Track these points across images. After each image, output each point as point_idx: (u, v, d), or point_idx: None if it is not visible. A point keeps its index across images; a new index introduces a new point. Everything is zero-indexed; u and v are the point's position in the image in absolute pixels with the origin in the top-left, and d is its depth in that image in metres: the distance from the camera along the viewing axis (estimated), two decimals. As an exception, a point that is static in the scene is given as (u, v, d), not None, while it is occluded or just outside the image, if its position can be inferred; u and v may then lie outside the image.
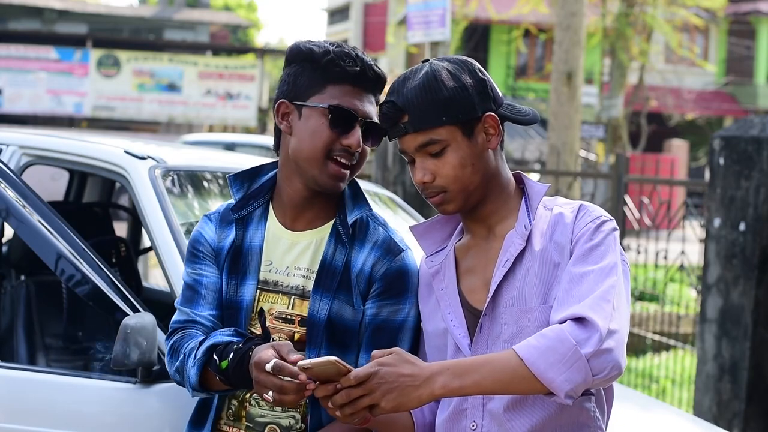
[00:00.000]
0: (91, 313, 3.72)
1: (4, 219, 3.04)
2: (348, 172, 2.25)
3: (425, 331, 2.25)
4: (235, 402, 2.30)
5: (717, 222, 5.14)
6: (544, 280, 2.06)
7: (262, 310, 2.26)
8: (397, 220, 4.03)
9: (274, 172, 2.36)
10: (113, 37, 25.21)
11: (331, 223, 2.31)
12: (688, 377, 6.89)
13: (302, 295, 2.26)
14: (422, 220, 4.42)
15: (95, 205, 4.36)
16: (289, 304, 2.27)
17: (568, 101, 10.59)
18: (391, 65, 30.07)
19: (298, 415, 2.26)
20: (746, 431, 5.06)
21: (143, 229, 3.85)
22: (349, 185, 2.33)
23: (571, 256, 2.05)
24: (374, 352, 1.94)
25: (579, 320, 1.92)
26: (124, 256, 4.12)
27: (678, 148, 25.55)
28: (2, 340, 3.74)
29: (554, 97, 10.77)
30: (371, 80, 2.25)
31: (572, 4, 10.41)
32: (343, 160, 2.22)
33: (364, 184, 4.37)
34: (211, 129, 24.15)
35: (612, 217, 2.11)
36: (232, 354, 2.12)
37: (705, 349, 5.24)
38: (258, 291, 2.28)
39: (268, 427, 2.26)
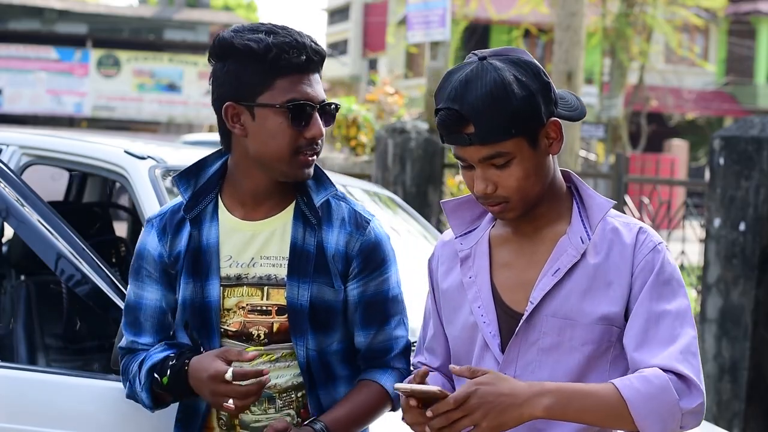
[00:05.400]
0: (91, 313, 3.72)
1: (4, 219, 3.04)
2: (315, 157, 2.20)
3: (445, 317, 2.17)
4: (224, 412, 2.23)
5: (717, 222, 5.14)
6: (593, 296, 2.02)
7: (186, 322, 2.23)
8: (397, 220, 4.03)
9: (220, 163, 2.28)
10: (113, 37, 25.21)
11: (291, 207, 2.24)
12: (688, 377, 6.88)
13: (276, 284, 2.21)
14: (422, 220, 4.41)
15: (95, 205, 4.36)
16: (263, 295, 2.21)
17: (568, 101, 10.57)
18: (391, 65, 30.06)
19: (293, 411, 2.24)
20: (746, 431, 5.06)
21: (143, 229, 3.85)
22: None
23: (632, 284, 2.01)
24: (463, 370, 1.90)
25: (679, 375, 1.93)
26: (124, 256, 4.13)
27: (678, 148, 25.53)
28: (2, 340, 3.74)
29: (554, 97, 10.74)
30: (318, 62, 2.17)
31: (572, 4, 10.40)
32: (310, 154, 2.17)
33: (363, 184, 4.38)
34: (211, 129, 24.12)
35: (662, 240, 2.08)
36: (168, 370, 2.16)
37: (705, 349, 5.24)
38: (221, 288, 2.22)
39: (265, 429, 2.19)
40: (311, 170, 2.20)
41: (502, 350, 2.06)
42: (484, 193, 2.01)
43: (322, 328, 2.22)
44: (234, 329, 2.21)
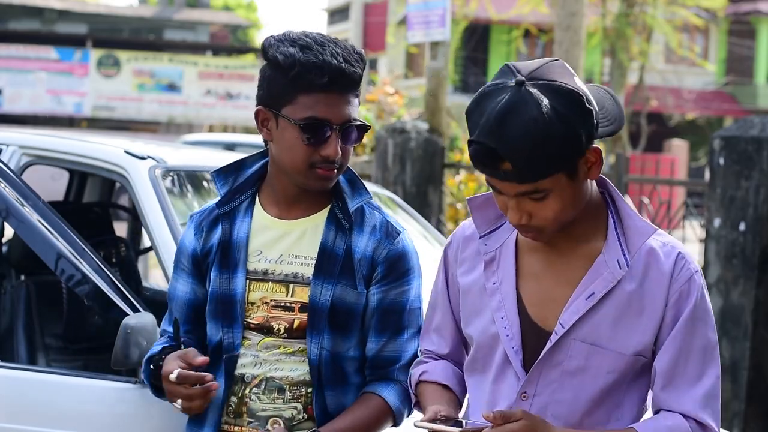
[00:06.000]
0: (91, 313, 3.72)
1: (4, 219, 3.04)
2: (335, 171, 2.24)
3: (463, 317, 2.13)
4: (234, 399, 2.29)
5: (717, 222, 5.14)
6: (625, 325, 1.97)
7: (176, 320, 2.29)
8: (397, 220, 4.03)
9: (260, 164, 2.35)
10: (113, 37, 25.21)
11: (326, 209, 2.30)
12: (688, 377, 6.88)
13: (302, 282, 2.26)
14: (422, 220, 4.42)
15: (95, 205, 4.36)
16: (288, 292, 2.26)
17: (568, 101, 10.56)
18: (391, 65, 30.06)
19: (300, 406, 2.26)
20: (746, 431, 5.06)
21: (143, 229, 3.86)
22: (344, 172, 2.32)
23: (664, 313, 1.97)
24: (496, 417, 1.88)
25: (699, 423, 1.96)
26: (124, 256, 4.13)
27: (678, 148, 25.53)
28: (2, 340, 3.74)
29: (554, 97, 10.73)
30: (345, 84, 2.18)
31: (572, 4, 10.40)
32: (326, 169, 2.21)
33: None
34: (211, 129, 24.14)
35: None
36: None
37: (705, 349, 5.24)
38: (247, 281, 2.28)
39: (271, 420, 2.26)
40: (330, 183, 2.25)
41: (525, 367, 2.01)
42: (519, 224, 1.95)
43: (339, 329, 2.26)
44: (256, 322, 2.27)
